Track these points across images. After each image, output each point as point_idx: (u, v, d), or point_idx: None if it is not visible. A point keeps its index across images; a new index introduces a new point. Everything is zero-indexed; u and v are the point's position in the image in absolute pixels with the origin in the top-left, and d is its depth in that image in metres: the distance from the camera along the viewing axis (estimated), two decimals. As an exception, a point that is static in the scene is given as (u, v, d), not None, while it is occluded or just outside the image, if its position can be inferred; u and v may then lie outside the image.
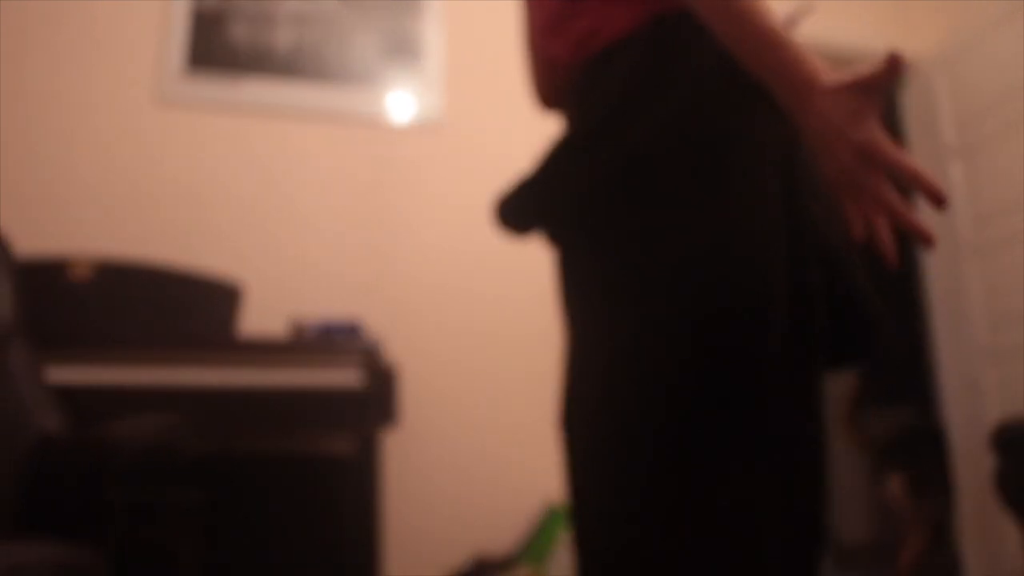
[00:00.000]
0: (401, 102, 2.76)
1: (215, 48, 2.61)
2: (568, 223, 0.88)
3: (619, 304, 0.80)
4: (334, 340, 1.98)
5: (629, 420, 0.77)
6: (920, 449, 3.67)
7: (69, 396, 1.71)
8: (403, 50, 2.80)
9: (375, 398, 1.92)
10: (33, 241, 2.33)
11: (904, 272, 4.87)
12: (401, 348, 2.57)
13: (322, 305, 2.53)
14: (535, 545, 2.43)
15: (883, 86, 0.71)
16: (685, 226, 0.77)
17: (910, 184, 0.70)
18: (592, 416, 0.82)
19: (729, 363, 0.75)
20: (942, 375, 3.27)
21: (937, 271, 3.32)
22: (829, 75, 0.73)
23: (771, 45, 0.74)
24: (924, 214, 3.43)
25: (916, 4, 3.55)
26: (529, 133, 2.84)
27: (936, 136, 3.34)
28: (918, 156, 3.47)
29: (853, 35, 3.39)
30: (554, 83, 1.08)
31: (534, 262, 2.77)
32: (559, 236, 0.92)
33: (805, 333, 0.79)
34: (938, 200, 0.69)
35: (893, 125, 3.71)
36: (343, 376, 1.93)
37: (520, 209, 0.93)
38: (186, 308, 2.04)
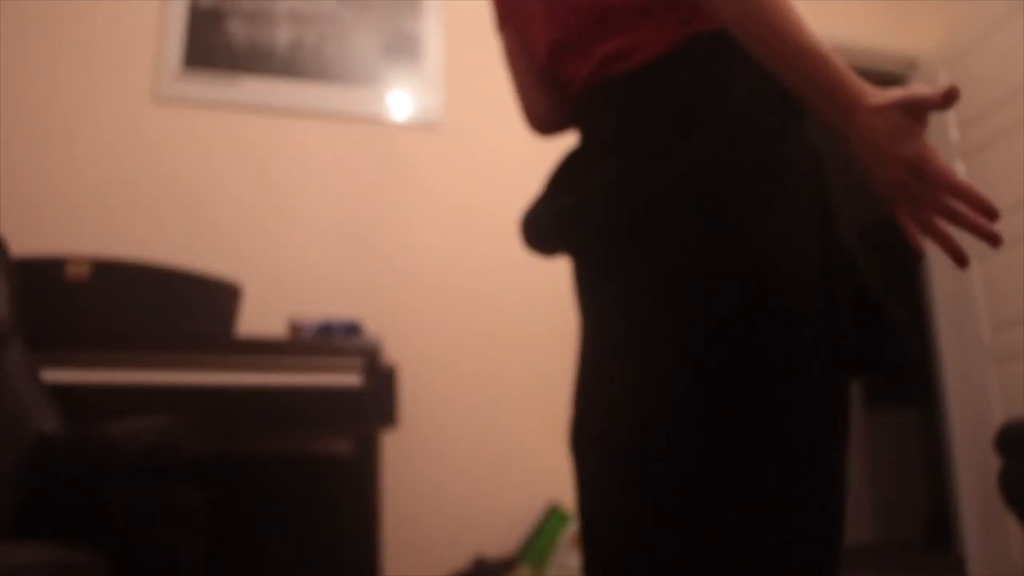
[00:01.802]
0: (401, 101, 2.75)
1: (213, 47, 2.60)
2: (610, 248, 0.85)
3: (649, 310, 0.80)
4: (333, 340, 1.97)
5: (661, 434, 0.77)
6: None
7: (67, 396, 1.70)
8: (403, 50, 2.79)
9: (374, 398, 1.91)
10: (31, 240, 2.32)
11: (908, 274, 4.87)
12: (401, 348, 2.56)
13: (321, 305, 2.52)
14: (535, 546, 2.42)
15: (933, 108, 0.72)
16: (727, 243, 0.78)
17: (960, 199, 0.71)
18: (616, 423, 0.81)
19: (763, 376, 0.75)
20: (946, 377, 3.26)
21: (941, 273, 3.32)
22: (875, 92, 0.74)
23: (815, 61, 0.74)
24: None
25: (919, 3, 3.55)
26: (528, 133, 2.83)
27: (939, 135, 3.34)
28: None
29: (855, 34, 3.39)
30: (562, 103, 1.05)
31: (534, 262, 2.76)
32: (592, 260, 0.90)
33: (835, 347, 0.79)
34: (990, 216, 0.71)
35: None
36: (342, 376, 1.92)
37: (554, 233, 0.91)
38: (185, 308, 2.02)
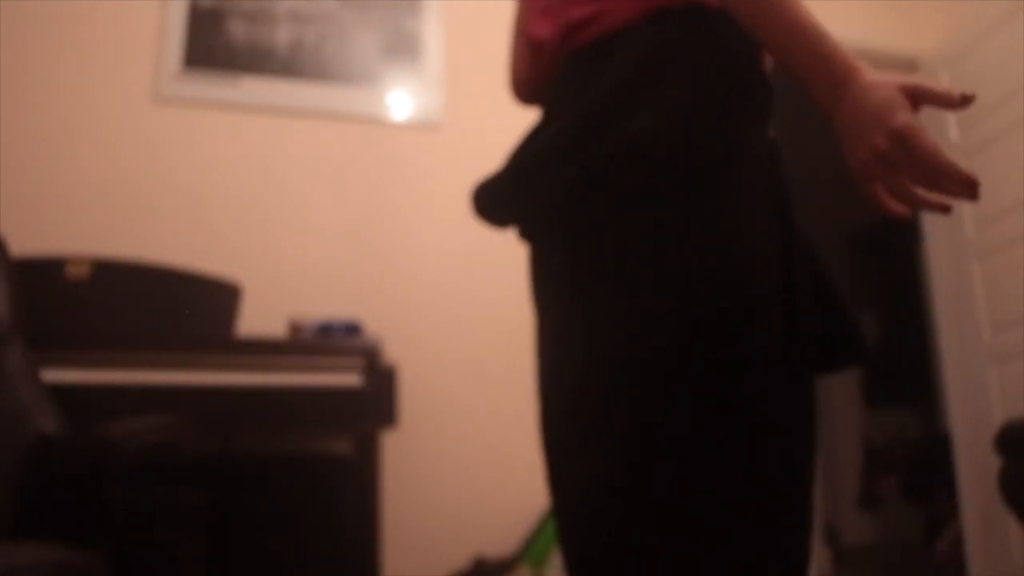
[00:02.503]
0: (401, 101, 2.75)
1: (213, 47, 2.60)
2: (556, 216, 0.83)
3: (607, 298, 0.78)
4: (333, 340, 1.97)
5: (617, 418, 0.76)
6: (917, 455, 3.88)
7: (67, 396, 1.70)
8: (403, 49, 2.79)
9: (374, 398, 1.91)
10: (30, 240, 2.32)
11: (908, 274, 4.87)
12: (401, 348, 2.56)
13: (321, 305, 2.52)
14: (535, 546, 2.42)
15: (942, 104, 0.71)
16: (681, 225, 0.76)
17: (943, 174, 0.69)
18: (581, 414, 0.80)
19: (721, 358, 0.74)
20: (947, 376, 3.26)
21: (941, 272, 3.31)
22: (872, 70, 0.74)
23: (809, 34, 0.74)
24: (927, 216, 3.42)
25: (919, 3, 3.55)
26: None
27: (940, 135, 3.33)
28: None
29: (855, 34, 3.39)
30: (535, 68, 1.02)
31: (535, 262, 2.76)
32: (540, 229, 0.88)
33: (796, 331, 0.79)
34: (973, 193, 0.69)
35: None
36: (342, 376, 1.92)
37: (503, 201, 0.89)
38: (185, 308, 2.02)
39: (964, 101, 0.70)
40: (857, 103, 0.72)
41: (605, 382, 0.77)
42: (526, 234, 0.91)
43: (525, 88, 1.06)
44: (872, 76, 0.73)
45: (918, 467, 3.94)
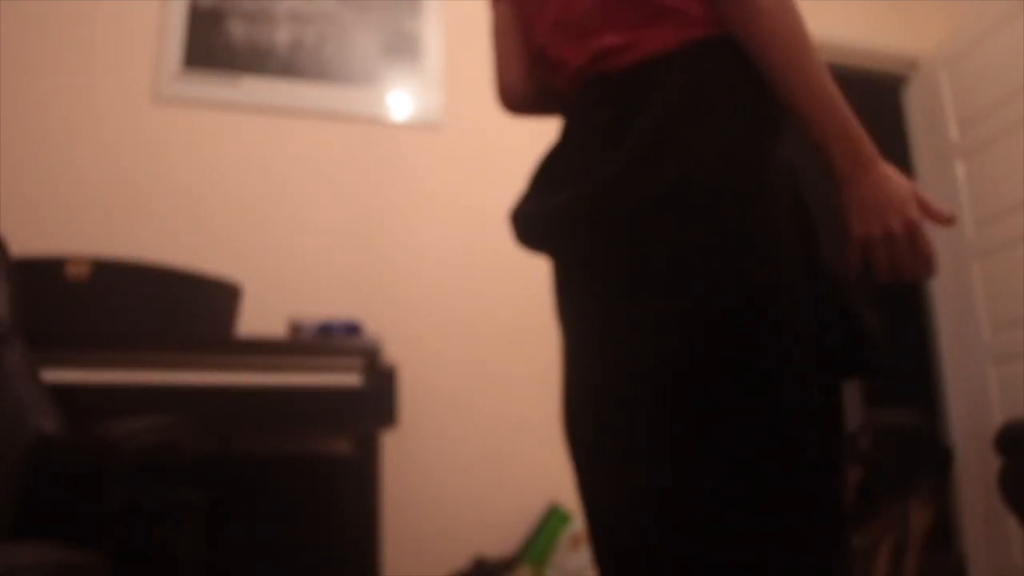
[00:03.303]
0: (400, 101, 2.75)
1: (213, 47, 2.60)
2: (610, 241, 0.87)
3: (644, 315, 0.81)
4: (333, 340, 1.97)
5: (643, 423, 0.79)
6: (890, 448, 3.18)
7: (67, 396, 1.70)
8: (403, 50, 2.79)
9: (374, 398, 1.91)
10: (31, 240, 2.32)
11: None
12: (400, 348, 2.56)
13: (321, 305, 2.52)
14: (535, 546, 2.42)
15: (931, 215, 0.88)
16: (718, 245, 0.80)
17: (926, 266, 0.89)
18: (609, 423, 0.83)
19: (750, 371, 0.77)
20: (947, 376, 3.26)
21: (941, 272, 3.31)
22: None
23: (843, 111, 0.84)
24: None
25: (919, 3, 3.55)
26: (528, 133, 2.83)
27: (940, 135, 3.33)
28: (922, 156, 3.46)
29: (855, 34, 3.38)
30: (545, 85, 1.04)
31: (534, 261, 2.76)
32: (586, 251, 0.90)
33: (821, 348, 0.82)
34: (929, 276, 0.89)
35: (897, 124, 3.70)
36: (342, 376, 1.92)
37: (554, 228, 0.91)
38: (185, 307, 2.02)
39: (949, 221, 0.88)
40: (879, 186, 0.85)
41: (640, 393, 0.80)
42: (562, 255, 0.94)
43: (519, 99, 1.09)
44: (890, 168, 0.85)
45: (876, 466, 3.03)
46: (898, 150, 3.91)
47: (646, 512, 0.77)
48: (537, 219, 0.92)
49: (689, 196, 0.81)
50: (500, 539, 2.51)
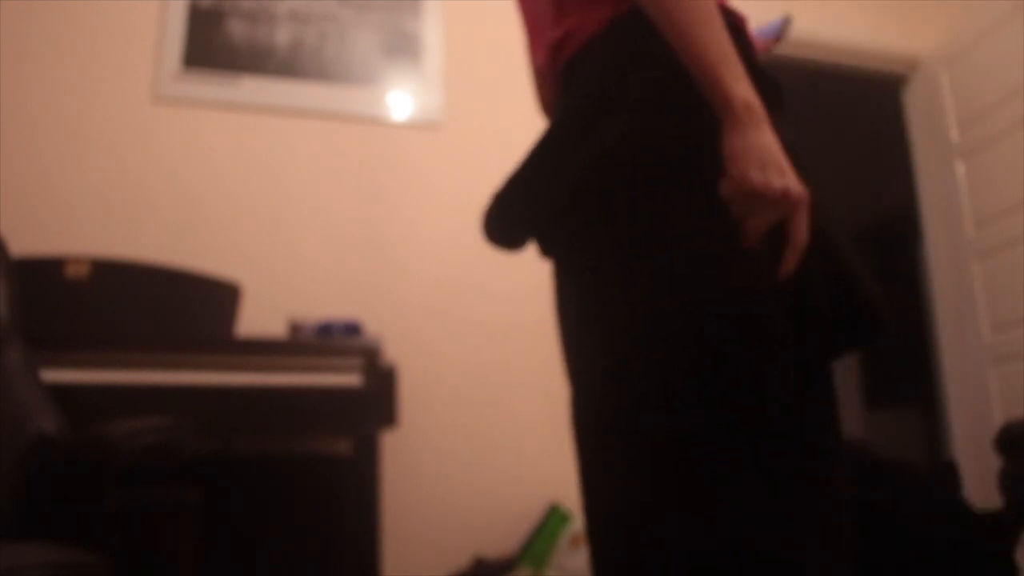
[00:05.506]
0: (400, 101, 2.75)
1: (213, 47, 2.60)
2: (549, 231, 0.88)
3: (619, 307, 0.80)
4: (333, 340, 1.97)
5: (637, 424, 0.77)
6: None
7: (67, 396, 1.70)
8: (403, 49, 2.79)
9: (374, 398, 1.91)
10: (31, 240, 2.31)
11: (908, 274, 4.87)
12: (401, 348, 2.56)
13: (321, 305, 2.52)
14: (535, 546, 2.42)
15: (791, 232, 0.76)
16: (680, 225, 0.78)
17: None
18: (599, 421, 0.82)
19: (734, 358, 0.74)
20: (947, 376, 3.26)
21: (941, 272, 3.31)
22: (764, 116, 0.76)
23: (710, 70, 0.76)
24: (927, 216, 3.42)
25: (919, 3, 3.55)
26: (528, 133, 2.83)
27: (940, 135, 3.33)
28: (922, 156, 3.46)
29: (855, 34, 3.38)
30: (544, 92, 1.07)
31: (533, 262, 2.76)
32: (548, 244, 0.92)
33: (810, 324, 0.79)
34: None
35: (897, 124, 3.71)
36: (342, 376, 1.92)
37: (504, 223, 0.93)
38: (185, 307, 2.02)
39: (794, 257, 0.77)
40: (763, 143, 0.75)
41: (620, 389, 0.79)
42: (541, 249, 0.95)
43: (550, 109, 1.10)
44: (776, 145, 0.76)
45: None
46: (898, 150, 3.91)
47: (634, 514, 0.76)
48: (490, 219, 0.95)
49: (611, 178, 0.80)
50: (500, 539, 2.51)
